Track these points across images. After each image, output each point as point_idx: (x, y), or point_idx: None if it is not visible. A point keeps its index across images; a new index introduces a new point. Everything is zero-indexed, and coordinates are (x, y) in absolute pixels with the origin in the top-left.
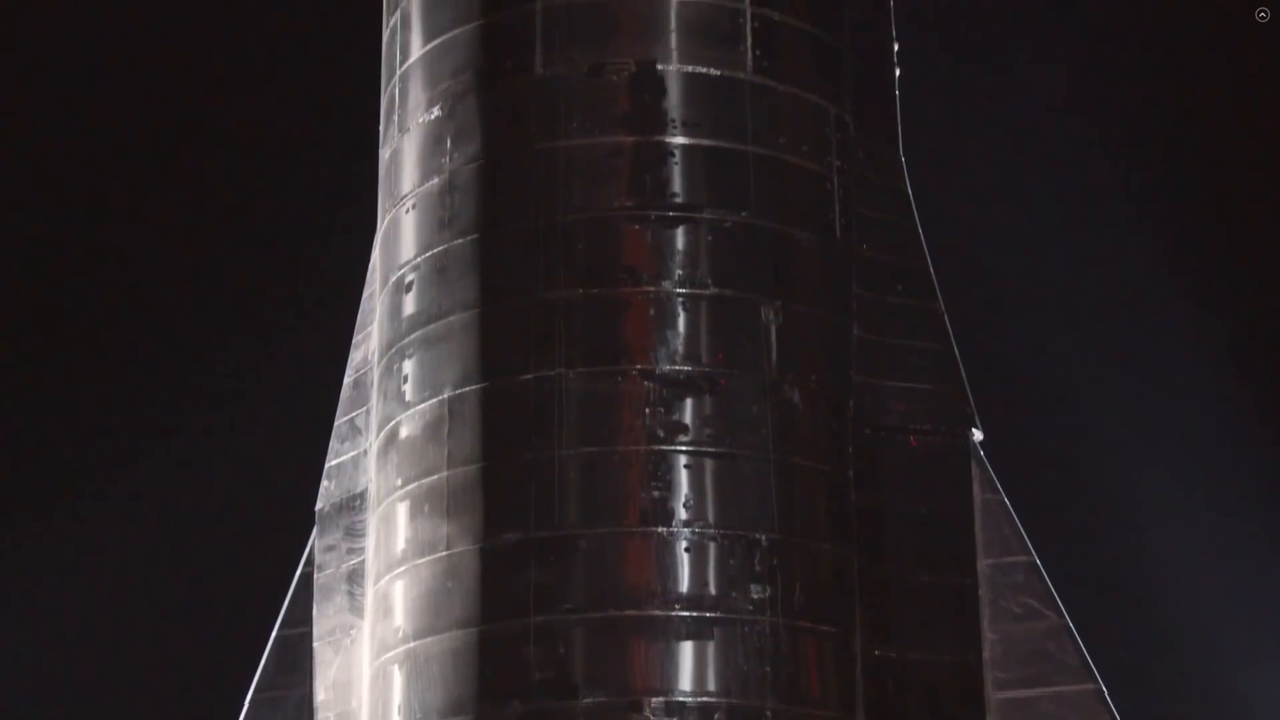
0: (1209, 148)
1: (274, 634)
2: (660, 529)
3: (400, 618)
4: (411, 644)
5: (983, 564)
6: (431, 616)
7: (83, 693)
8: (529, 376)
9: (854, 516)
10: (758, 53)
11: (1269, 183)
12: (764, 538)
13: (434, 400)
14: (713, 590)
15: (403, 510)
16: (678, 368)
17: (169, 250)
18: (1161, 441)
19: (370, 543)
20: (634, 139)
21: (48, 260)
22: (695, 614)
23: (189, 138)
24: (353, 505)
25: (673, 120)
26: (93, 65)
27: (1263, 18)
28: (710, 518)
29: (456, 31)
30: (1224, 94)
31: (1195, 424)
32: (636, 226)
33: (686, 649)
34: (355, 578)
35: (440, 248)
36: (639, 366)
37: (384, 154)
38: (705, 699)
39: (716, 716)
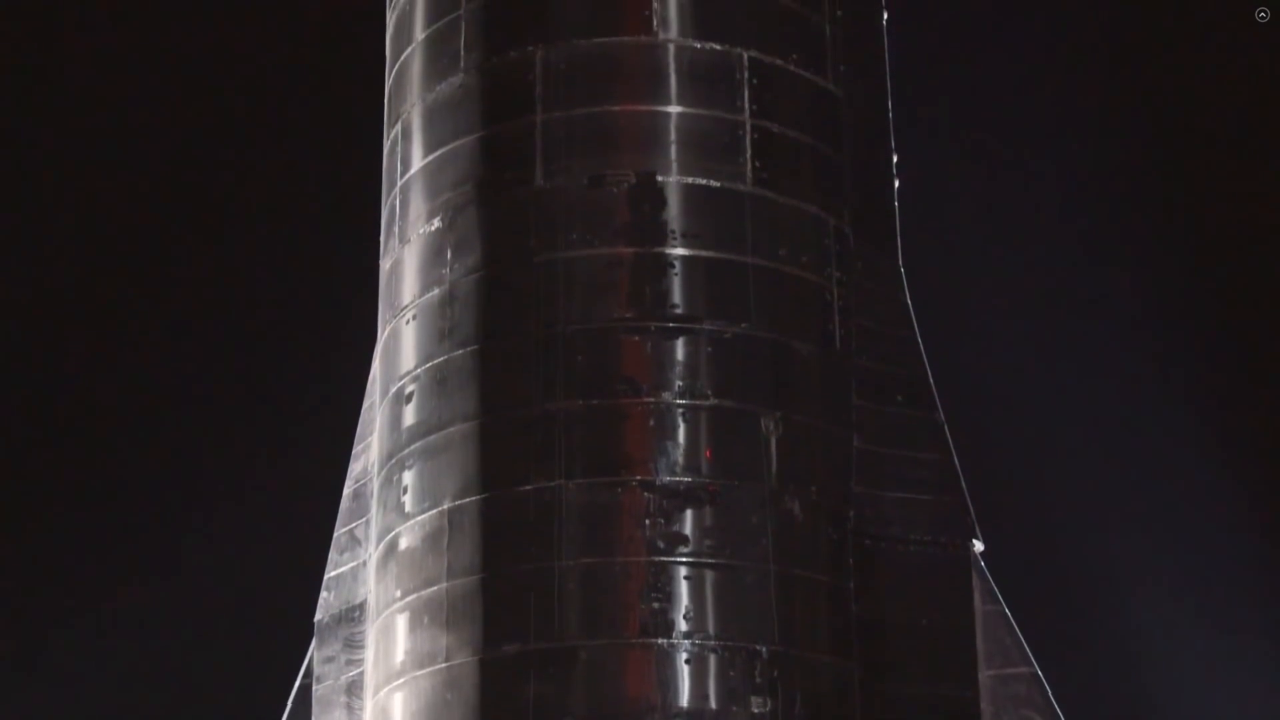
0: (1210, 178)
1: None
2: (660, 640)
3: None
4: None
5: (984, 675)
6: None
7: None
8: (529, 487)
9: (855, 628)
10: (757, 164)
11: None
12: (764, 649)
13: (434, 511)
14: (713, 703)
15: (402, 621)
16: (678, 479)
17: (170, 362)
18: (1163, 552)
19: (369, 654)
20: (634, 250)
21: (52, 368)
22: None
23: (190, 250)
24: (352, 616)
25: (672, 231)
26: (90, 201)
27: (1263, 18)
28: (710, 629)
29: (457, 143)
30: (1224, 94)
31: (1197, 534)
32: (636, 338)
33: None
34: (354, 689)
35: (440, 359)
36: (639, 477)
37: (384, 265)
38: None
39: None
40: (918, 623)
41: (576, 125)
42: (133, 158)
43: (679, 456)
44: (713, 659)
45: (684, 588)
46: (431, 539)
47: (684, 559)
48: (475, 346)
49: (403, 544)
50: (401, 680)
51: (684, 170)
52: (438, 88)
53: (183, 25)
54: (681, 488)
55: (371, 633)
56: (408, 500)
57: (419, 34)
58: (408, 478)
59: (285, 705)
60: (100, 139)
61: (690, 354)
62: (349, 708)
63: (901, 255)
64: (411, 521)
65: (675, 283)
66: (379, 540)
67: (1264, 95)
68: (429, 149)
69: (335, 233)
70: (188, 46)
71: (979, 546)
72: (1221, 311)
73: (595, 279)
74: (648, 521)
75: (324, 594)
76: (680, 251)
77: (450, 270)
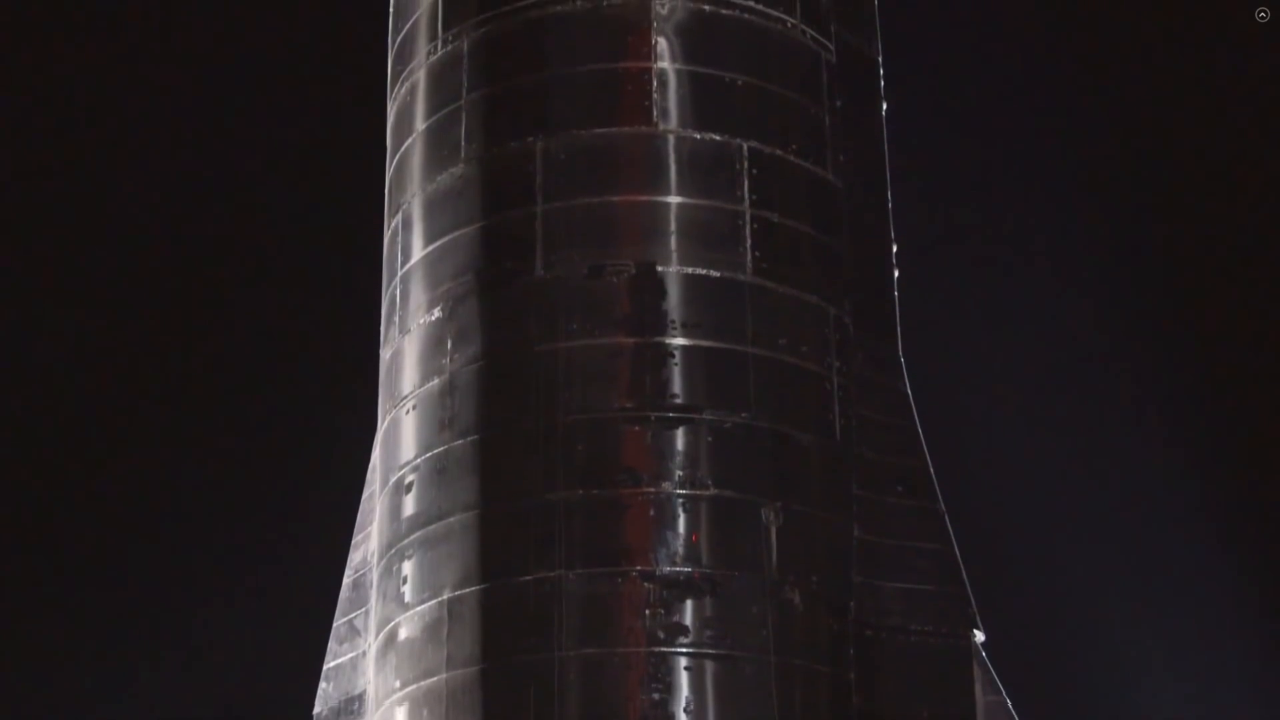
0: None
1: None
2: None
3: None
4: None
5: None
6: None
7: None
8: (529, 578)
9: (855, 719)
10: (757, 254)
11: None
12: None
13: (433, 602)
14: None
15: (401, 713)
16: (678, 569)
17: (168, 452)
18: (1166, 641)
19: None
20: (634, 340)
21: (54, 461)
22: None
23: (190, 338)
24: (351, 708)
25: (672, 321)
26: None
27: (1263, 18)
28: None
29: (457, 233)
30: (1224, 95)
31: (1199, 620)
32: (636, 428)
33: None
34: None
35: (440, 448)
36: (639, 568)
37: (384, 354)
38: None
39: None
40: (919, 714)
41: (576, 215)
42: (133, 241)
43: (679, 547)
44: None
45: (684, 678)
46: (431, 629)
47: (684, 650)
48: (475, 436)
49: (402, 634)
50: None
51: (684, 260)
52: (438, 178)
53: (179, 112)
54: (681, 578)
55: None
56: (407, 590)
57: (419, 124)
58: (407, 568)
59: None
60: (95, 214)
61: (690, 444)
62: None
63: (901, 345)
64: (411, 612)
65: (675, 373)
66: (378, 630)
67: (1264, 95)
68: (429, 239)
69: (335, 323)
70: (188, 132)
71: (980, 637)
72: (1229, 393)
73: (595, 369)
74: (648, 612)
75: (323, 685)
76: (680, 341)
77: (450, 360)
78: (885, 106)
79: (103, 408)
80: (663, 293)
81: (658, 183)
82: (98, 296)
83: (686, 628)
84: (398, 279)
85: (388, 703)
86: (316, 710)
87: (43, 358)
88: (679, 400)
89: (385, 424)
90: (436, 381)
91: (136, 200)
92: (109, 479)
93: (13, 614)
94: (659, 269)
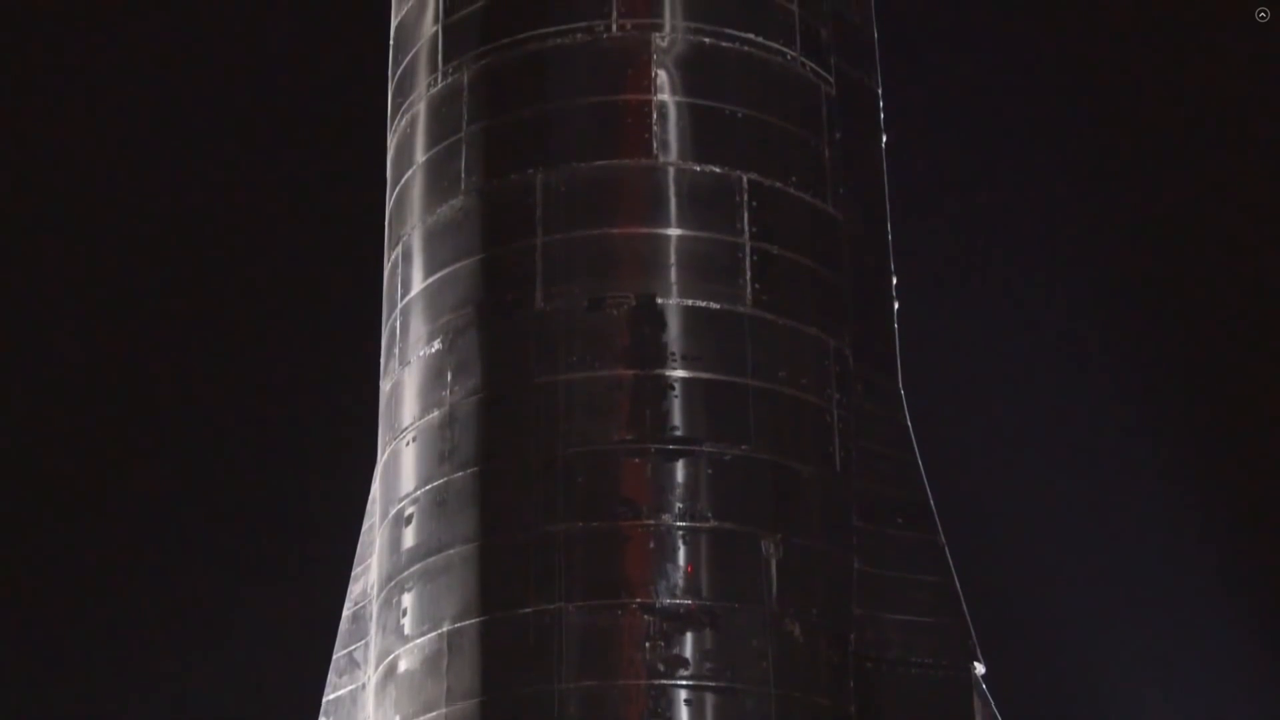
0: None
1: None
2: None
3: None
4: None
5: None
6: None
7: None
8: (528, 610)
9: None
10: (757, 286)
11: None
12: None
13: (433, 634)
14: None
15: None
16: (678, 601)
17: (169, 483)
18: (1167, 673)
19: None
20: (634, 372)
21: (48, 488)
22: None
23: (187, 370)
24: None
25: (672, 354)
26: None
27: (1263, 18)
28: None
29: (457, 265)
30: (1225, 95)
31: (1200, 652)
32: (636, 460)
33: None
34: None
35: (440, 480)
36: (639, 600)
37: (384, 386)
38: None
39: None
40: None
41: (576, 248)
42: (128, 264)
43: (679, 579)
44: None
45: (684, 711)
46: (431, 662)
47: (684, 682)
48: (475, 469)
49: (402, 667)
50: None
51: (684, 292)
52: (438, 210)
53: (181, 141)
54: (681, 610)
55: None
56: (407, 623)
57: (419, 156)
58: (407, 600)
59: None
60: (93, 246)
61: (690, 476)
62: None
63: (901, 377)
64: (410, 644)
65: (675, 405)
66: (378, 663)
67: (1264, 95)
68: (429, 271)
69: (335, 355)
70: (188, 163)
71: (980, 669)
72: (1230, 424)
73: (595, 401)
74: (648, 644)
75: (322, 718)
76: (680, 373)
77: (450, 392)
78: (885, 138)
79: (104, 429)
80: (662, 325)
81: (658, 215)
82: (99, 327)
83: (686, 660)
84: (397, 311)
85: None
86: None
87: (48, 401)
88: (679, 432)
89: (385, 456)
90: (436, 413)
91: (134, 226)
92: (108, 501)
93: (14, 646)
94: (659, 301)
